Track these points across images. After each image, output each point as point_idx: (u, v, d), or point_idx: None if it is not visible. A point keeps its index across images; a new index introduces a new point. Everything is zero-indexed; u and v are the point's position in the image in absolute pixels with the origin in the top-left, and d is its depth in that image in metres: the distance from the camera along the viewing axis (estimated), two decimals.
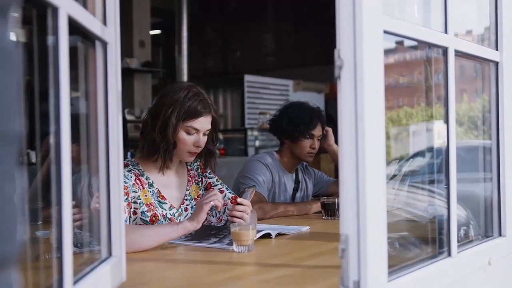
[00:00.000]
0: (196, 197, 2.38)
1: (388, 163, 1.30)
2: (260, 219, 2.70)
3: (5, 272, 0.56)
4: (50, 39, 1.03)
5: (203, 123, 2.21)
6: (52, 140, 1.02)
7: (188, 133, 2.20)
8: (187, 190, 2.36)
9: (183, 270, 1.71)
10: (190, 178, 2.39)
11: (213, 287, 1.49)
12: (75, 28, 1.12)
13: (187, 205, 2.34)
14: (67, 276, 1.02)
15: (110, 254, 1.38)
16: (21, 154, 0.62)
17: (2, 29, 0.56)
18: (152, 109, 2.24)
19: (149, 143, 2.21)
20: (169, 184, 2.30)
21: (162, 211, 2.22)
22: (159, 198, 2.24)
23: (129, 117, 6.68)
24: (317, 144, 3.04)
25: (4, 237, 0.56)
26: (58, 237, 1.01)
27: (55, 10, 1.00)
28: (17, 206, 0.58)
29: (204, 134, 2.23)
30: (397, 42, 1.48)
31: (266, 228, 2.22)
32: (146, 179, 2.23)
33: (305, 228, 2.37)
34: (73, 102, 1.11)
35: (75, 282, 1.10)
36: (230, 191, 2.43)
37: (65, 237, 1.02)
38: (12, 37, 0.59)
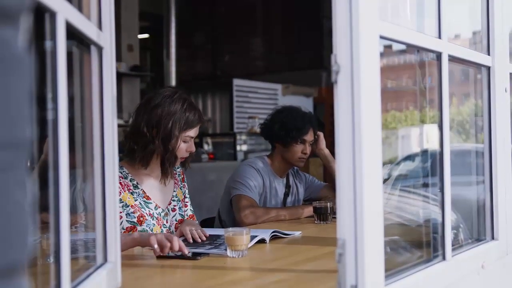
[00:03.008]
0: (181, 199, 2.46)
1: None
2: (252, 224, 2.70)
3: (17, 279, 0.56)
4: (47, 44, 1.02)
5: (197, 130, 2.34)
6: (49, 144, 1.01)
7: (185, 141, 2.30)
8: (174, 191, 2.44)
9: (178, 276, 1.71)
10: (176, 181, 2.47)
11: None
12: (70, 32, 1.12)
13: (174, 205, 2.41)
14: (64, 282, 1.02)
15: (105, 260, 1.37)
16: (31, 161, 0.61)
17: (13, 36, 0.56)
18: (148, 120, 2.25)
19: (150, 154, 2.26)
20: (155, 186, 2.36)
21: (148, 211, 2.27)
22: (144, 199, 2.29)
23: (117, 121, 6.64)
24: (308, 149, 3.04)
25: (15, 244, 0.56)
26: (56, 242, 1.01)
27: (53, 14, 1.00)
28: (28, 212, 0.58)
29: (194, 140, 2.36)
30: (385, 46, 1.49)
31: (259, 233, 2.22)
32: (131, 181, 2.29)
33: (298, 233, 2.37)
34: (68, 106, 1.10)
35: None
36: (191, 208, 2.53)
37: (63, 243, 1.01)
38: (23, 44, 0.59)
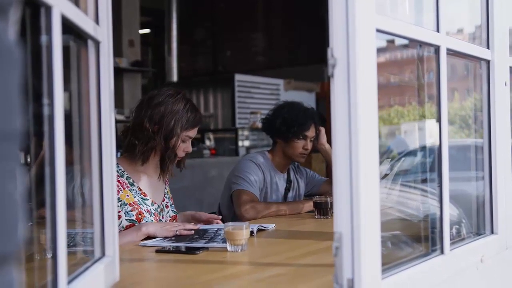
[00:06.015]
0: (170, 197, 2.52)
1: (380, 162, 1.31)
2: (253, 219, 2.71)
3: (7, 270, 0.56)
4: (43, 38, 1.02)
5: (196, 131, 2.39)
6: (46, 140, 1.01)
7: (183, 141, 2.34)
8: (166, 189, 2.49)
9: (176, 270, 1.71)
10: (166, 180, 2.51)
11: (207, 287, 1.49)
12: (67, 27, 1.12)
13: (167, 202, 2.47)
14: (61, 276, 1.02)
15: (103, 254, 1.37)
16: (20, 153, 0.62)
17: (3, 29, 0.56)
18: (151, 116, 2.28)
19: (150, 150, 2.30)
20: (149, 183, 2.39)
21: (146, 207, 2.31)
22: (141, 195, 2.32)
23: (118, 117, 6.64)
24: (309, 145, 3.04)
25: (6, 235, 0.56)
26: (52, 237, 1.01)
27: (48, 9, 1.00)
28: (18, 203, 0.58)
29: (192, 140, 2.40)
30: (388, 41, 1.49)
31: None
32: (127, 179, 2.32)
33: (271, 226, 2.39)
34: (64, 102, 1.10)
35: (69, 282, 1.09)
36: (173, 208, 2.52)
37: (59, 237, 1.02)
38: (12, 36, 0.59)
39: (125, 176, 2.31)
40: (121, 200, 2.23)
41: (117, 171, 2.28)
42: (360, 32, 1.17)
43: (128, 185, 2.29)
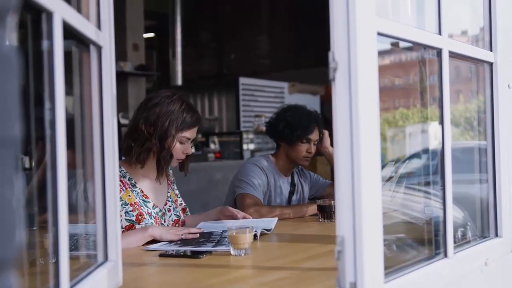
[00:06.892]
0: (174, 200, 2.50)
1: (384, 164, 1.30)
2: None
3: (4, 276, 0.56)
4: (44, 44, 1.03)
5: (194, 132, 2.37)
6: (47, 145, 1.02)
7: (181, 142, 2.33)
8: (168, 192, 2.48)
9: (180, 274, 1.71)
10: (169, 182, 2.51)
11: None
12: (69, 32, 1.12)
13: (169, 206, 2.46)
14: (63, 281, 1.02)
15: (106, 258, 1.37)
16: (19, 159, 0.62)
17: (1, 35, 0.57)
18: (147, 117, 2.30)
19: (146, 151, 2.29)
20: (151, 186, 2.39)
21: (147, 210, 2.31)
22: (143, 197, 2.33)
23: (123, 121, 6.64)
24: (313, 149, 3.04)
25: (4, 240, 0.56)
26: (54, 241, 1.01)
27: (49, 14, 1.00)
28: (16, 210, 0.58)
29: (191, 142, 2.39)
30: (392, 44, 1.49)
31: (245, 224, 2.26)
32: (129, 180, 2.32)
33: (274, 220, 2.44)
34: (67, 106, 1.11)
35: (71, 287, 1.09)
36: (176, 212, 2.51)
37: (61, 242, 1.02)
38: (11, 42, 0.59)
39: (128, 177, 2.32)
40: (122, 200, 2.23)
41: (120, 172, 2.29)
42: (361, 36, 1.17)
43: (130, 186, 2.30)
